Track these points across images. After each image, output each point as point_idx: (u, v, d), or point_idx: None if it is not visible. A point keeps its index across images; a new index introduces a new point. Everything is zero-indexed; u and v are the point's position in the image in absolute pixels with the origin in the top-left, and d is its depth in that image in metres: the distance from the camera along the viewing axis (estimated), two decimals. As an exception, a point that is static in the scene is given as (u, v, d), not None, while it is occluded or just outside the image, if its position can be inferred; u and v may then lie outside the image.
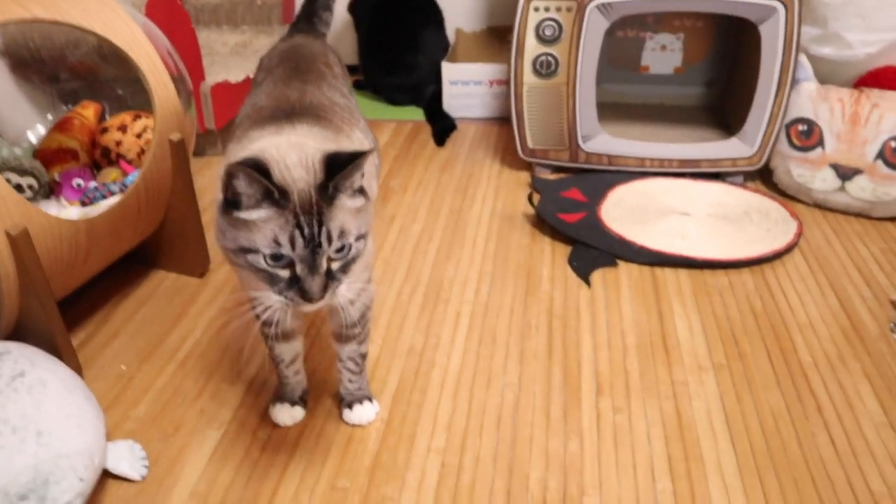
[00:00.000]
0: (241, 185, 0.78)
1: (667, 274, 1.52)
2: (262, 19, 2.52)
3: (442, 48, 2.38)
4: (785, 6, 1.65)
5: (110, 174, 1.57)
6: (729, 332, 1.35)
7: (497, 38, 2.49)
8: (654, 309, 1.41)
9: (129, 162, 1.64)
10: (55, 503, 0.90)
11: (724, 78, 2.06)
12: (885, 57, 1.81)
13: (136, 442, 1.11)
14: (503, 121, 2.27)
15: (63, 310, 1.20)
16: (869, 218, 1.72)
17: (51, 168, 1.59)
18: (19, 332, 1.18)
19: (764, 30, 1.68)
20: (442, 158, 2.05)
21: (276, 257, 0.79)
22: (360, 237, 0.84)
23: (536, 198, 1.71)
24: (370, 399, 1.16)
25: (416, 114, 2.33)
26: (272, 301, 0.83)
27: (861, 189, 1.72)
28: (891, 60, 1.81)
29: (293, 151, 0.82)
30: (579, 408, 1.18)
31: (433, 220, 1.72)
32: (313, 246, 0.79)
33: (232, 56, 2.27)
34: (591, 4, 1.68)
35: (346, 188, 0.82)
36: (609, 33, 1.75)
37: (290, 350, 1.12)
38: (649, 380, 1.24)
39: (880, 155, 1.68)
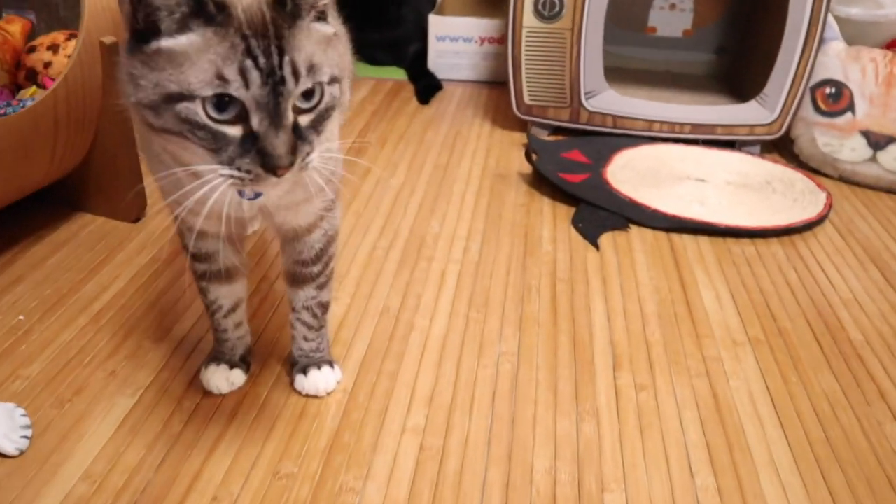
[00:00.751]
0: None
1: (685, 240, 1.29)
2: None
3: (428, 5, 2.15)
4: (822, -52, 1.44)
5: (28, 91, 1.30)
6: (763, 304, 1.13)
7: (488, 0, 2.27)
8: (674, 276, 1.18)
9: (55, 84, 1.37)
10: None
11: (737, 45, 1.86)
12: (925, 17, 1.62)
13: (18, 406, 0.84)
14: (494, 84, 2.04)
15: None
16: (905, 192, 1.52)
17: (-42, 86, 1.33)
18: None
19: (796, -25, 1.48)
20: (426, 116, 1.81)
21: (222, 103, 0.55)
22: (334, 80, 0.59)
23: (535, 157, 1.48)
24: (331, 364, 0.91)
25: (398, 74, 2.09)
26: (216, 183, 0.58)
27: (895, 159, 1.52)
28: (932, 21, 1.62)
29: None
30: (593, 383, 0.94)
31: (415, 175, 1.48)
32: (274, 82, 0.55)
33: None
34: (605, -66, 1.46)
35: (309, 4, 0.57)
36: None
37: (229, 294, 0.87)
38: (676, 353, 1.01)
39: (923, 121, 1.48)
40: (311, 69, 0.57)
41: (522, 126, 1.72)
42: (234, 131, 0.56)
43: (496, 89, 2.00)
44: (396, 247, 1.23)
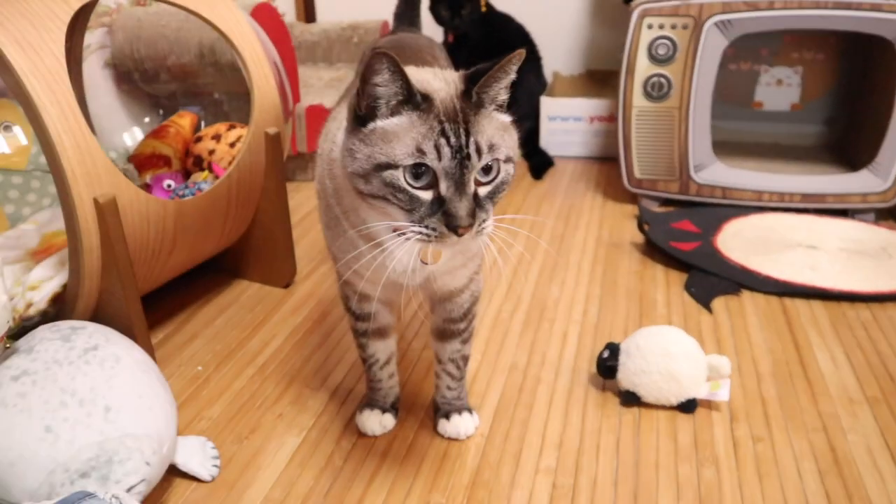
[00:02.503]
0: (382, 79, 0.68)
1: (798, 304, 1.34)
2: (356, 57, 2.51)
3: (540, 86, 2.31)
4: (927, 23, 1.50)
5: (201, 175, 1.52)
6: (881, 365, 1.16)
7: (596, 81, 2.42)
8: (787, 338, 1.24)
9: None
10: (118, 484, 0.79)
11: (847, 114, 1.91)
12: None
13: (208, 440, 1.00)
14: (603, 160, 2.15)
15: (143, 308, 1.12)
16: None
17: (143, 172, 1.56)
18: (96, 317, 1.10)
19: (902, 48, 1.54)
20: (541, 190, 1.94)
21: (419, 172, 0.68)
22: (509, 160, 0.73)
23: (646, 227, 1.57)
24: (469, 410, 1.02)
25: (510, 151, 2.24)
26: (407, 238, 0.70)
27: None
28: None
29: (430, 73, 0.73)
30: (711, 433, 1.01)
31: (534, 244, 1.60)
32: (461, 158, 0.68)
33: (326, 88, 2.25)
34: (710, 21, 1.58)
35: (490, 99, 0.72)
36: (720, 65, 1.63)
37: (384, 349, 1.00)
38: (791, 409, 1.06)
39: None
40: (491, 148, 0.70)
41: (633, 199, 1.82)
42: (426, 195, 0.69)
43: (606, 164, 2.11)
44: (520, 310, 1.34)
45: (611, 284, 1.42)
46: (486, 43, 2.28)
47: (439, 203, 0.69)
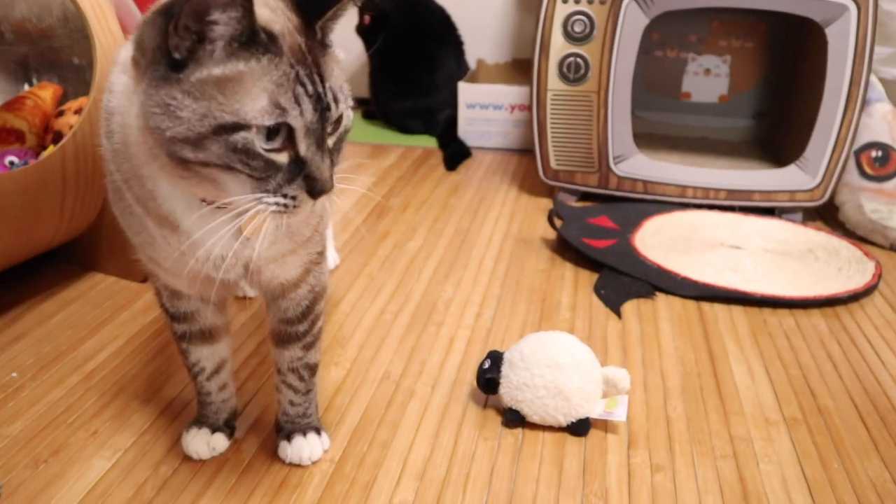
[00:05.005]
0: (230, 16, 0.51)
1: (717, 310, 1.21)
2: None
3: (460, 72, 2.15)
4: (857, 5, 1.39)
5: (47, 151, 1.31)
6: (802, 380, 1.03)
7: (521, 70, 2.27)
8: (702, 347, 1.10)
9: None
10: None
11: (776, 108, 1.80)
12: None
13: (-12, 466, 0.80)
14: (524, 152, 2.01)
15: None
16: (964, 263, 1.41)
17: (-14, 147, 1.35)
18: None
19: (831, 32, 1.42)
20: (452, 182, 1.78)
21: (275, 132, 0.53)
22: (350, 106, 0.59)
23: (559, 222, 1.42)
24: (317, 431, 0.85)
25: (428, 141, 2.08)
26: (260, 208, 0.55)
27: (951, 230, 1.42)
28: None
29: None
30: (604, 461, 0.86)
31: (434, 239, 1.44)
32: (321, 109, 0.54)
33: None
34: (631, -3, 1.44)
35: (329, 33, 0.58)
36: (645, 52, 1.50)
37: (210, 356, 0.82)
38: (699, 432, 0.92)
39: (978, 187, 1.39)
40: (345, 95, 0.58)
41: (550, 192, 1.68)
42: (282, 158, 0.55)
43: (526, 157, 1.96)
44: (406, 311, 1.17)
45: (512, 284, 1.27)
46: (405, 26, 2.11)
47: (297, 166, 0.55)
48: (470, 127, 2.03)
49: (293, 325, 0.77)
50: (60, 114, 1.47)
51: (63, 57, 1.50)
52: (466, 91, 2.00)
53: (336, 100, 0.56)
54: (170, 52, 0.53)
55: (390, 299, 1.21)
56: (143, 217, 0.63)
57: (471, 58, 2.25)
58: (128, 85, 0.58)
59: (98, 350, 1.06)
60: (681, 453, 0.87)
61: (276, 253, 0.68)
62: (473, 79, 2.15)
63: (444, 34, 2.15)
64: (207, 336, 0.80)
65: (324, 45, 0.57)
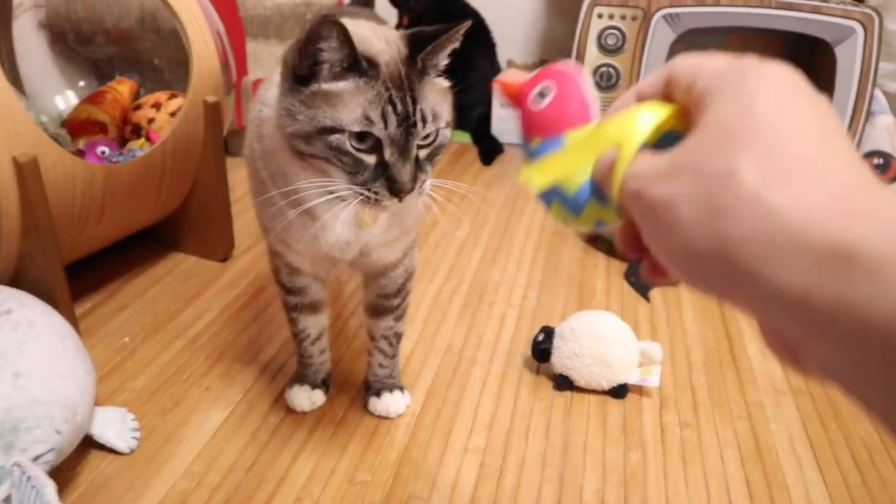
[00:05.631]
0: (329, 46, 0.65)
1: (733, 297, 1.36)
2: (310, 34, 2.47)
3: (493, 72, 2.30)
4: (864, 27, 1.54)
5: (137, 143, 1.47)
6: (808, 358, 1.19)
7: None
8: (721, 329, 1.25)
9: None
10: (24, 453, 0.75)
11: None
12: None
13: (128, 412, 0.96)
14: (551, 148, 2.15)
15: (69, 278, 1.08)
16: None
17: (77, 138, 1.50)
18: (14, 283, 1.05)
19: (840, 52, 1.57)
20: (489, 176, 1.94)
21: (363, 137, 0.67)
22: (448, 125, 0.72)
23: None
24: (401, 389, 1.01)
25: (462, 137, 2.24)
26: (347, 194, 0.70)
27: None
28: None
29: (367, 28, 0.71)
30: (640, 420, 1.02)
31: (478, 228, 1.59)
32: (407, 126, 0.67)
33: (278, 63, 2.20)
34: (658, 14, 1.59)
35: (433, 65, 0.70)
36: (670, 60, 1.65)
37: (315, 324, 0.98)
38: (719, 398, 1.07)
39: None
40: (435, 117, 0.69)
41: (579, 188, 1.83)
42: (370, 159, 0.68)
43: (554, 154, 2.11)
44: (460, 292, 1.33)
45: (552, 271, 1.43)
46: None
47: (383, 168, 0.68)
48: (503, 125, 2.18)
49: (388, 299, 0.93)
50: (137, 107, 1.62)
51: (144, 58, 1.66)
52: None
53: (424, 119, 0.69)
54: (297, 70, 0.68)
55: (445, 281, 1.36)
56: (284, 207, 0.78)
57: (501, 58, 2.40)
58: (276, 98, 0.74)
59: (195, 320, 1.22)
60: (704, 414, 1.03)
61: (386, 239, 0.84)
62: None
63: (479, 37, 2.30)
64: (314, 307, 0.96)
65: (423, 74, 0.70)
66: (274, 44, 2.46)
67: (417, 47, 0.69)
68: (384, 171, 0.68)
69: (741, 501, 0.89)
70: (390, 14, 2.25)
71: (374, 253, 0.86)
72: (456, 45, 0.72)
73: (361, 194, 0.69)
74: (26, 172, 0.95)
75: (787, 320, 0.27)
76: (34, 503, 0.73)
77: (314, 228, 0.78)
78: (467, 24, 0.70)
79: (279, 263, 0.92)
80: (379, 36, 0.71)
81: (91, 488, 0.86)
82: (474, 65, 2.25)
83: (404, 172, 0.68)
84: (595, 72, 1.67)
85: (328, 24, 0.64)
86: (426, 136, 0.70)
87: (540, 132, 0.41)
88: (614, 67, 1.65)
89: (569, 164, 0.38)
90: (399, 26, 2.28)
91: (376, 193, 0.69)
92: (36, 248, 1.02)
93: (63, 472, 0.86)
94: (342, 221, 0.75)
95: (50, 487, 0.74)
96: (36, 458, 0.76)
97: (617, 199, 0.34)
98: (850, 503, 0.90)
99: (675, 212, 0.29)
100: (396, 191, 0.68)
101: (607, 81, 1.67)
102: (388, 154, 0.68)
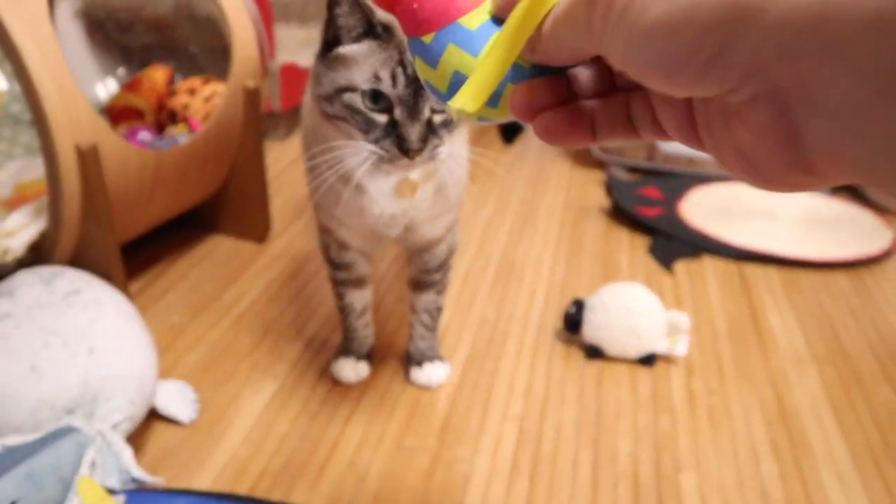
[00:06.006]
0: (342, 11, 0.71)
1: (755, 270, 1.41)
2: (331, 17, 2.51)
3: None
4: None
5: (177, 128, 1.52)
6: (829, 328, 1.23)
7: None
8: (743, 301, 1.30)
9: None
10: (103, 421, 0.82)
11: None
12: None
13: (187, 385, 1.02)
14: (572, 126, 2.19)
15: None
16: (973, 231, 1.60)
17: (117, 125, 1.56)
18: (74, 265, 1.11)
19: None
20: (511, 155, 1.98)
21: (375, 96, 0.73)
22: None
23: (614, 194, 1.62)
24: (441, 360, 1.07)
25: (481, 116, 2.27)
26: (363, 152, 0.75)
27: (963, 202, 1.60)
28: None
29: None
30: (669, 387, 1.07)
31: (503, 207, 1.64)
32: (416, 87, 0.72)
33: (300, 47, 2.25)
34: None
35: None
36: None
37: (360, 298, 1.03)
38: (744, 366, 1.12)
39: None
40: None
41: (600, 165, 1.87)
42: (382, 119, 0.74)
43: (575, 132, 2.15)
44: (490, 268, 1.38)
45: (577, 247, 1.47)
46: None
47: (393, 126, 0.74)
48: (522, 104, 2.22)
49: (431, 274, 0.99)
50: (172, 93, 1.67)
51: (179, 45, 1.70)
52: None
53: None
54: (325, 37, 0.75)
55: (475, 257, 1.42)
56: (336, 184, 0.83)
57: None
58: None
59: (238, 299, 1.28)
60: (730, 381, 1.09)
61: (431, 215, 0.89)
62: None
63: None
64: (359, 283, 1.01)
65: None
66: (295, 27, 2.50)
67: None
68: (395, 130, 0.74)
69: (768, 462, 0.94)
70: None
71: (420, 228, 0.91)
72: None
73: (374, 152, 0.75)
74: (88, 160, 1.01)
75: (797, 65, 0.23)
76: (114, 468, 0.79)
77: (362, 201, 0.83)
78: None
79: (329, 240, 0.97)
80: None
81: (158, 455, 0.92)
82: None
83: (413, 131, 0.73)
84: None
85: None
86: None
87: (429, 27, 0.37)
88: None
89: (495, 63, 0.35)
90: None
91: (387, 151, 0.74)
92: (95, 232, 1.07)
93: (132, 441, 0.92)
94: (383, 192, 0.81)
95: (128, 453, 0.80)
96: (113, 427, 0.82)
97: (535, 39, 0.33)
98: (870, 459, 0.95)
99: None
100: (405, 149, 0.73)
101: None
102: (397, 113, 0.73)
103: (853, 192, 1.77)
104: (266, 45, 1.65)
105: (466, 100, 0.35)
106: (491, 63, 0.34)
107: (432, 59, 0.37)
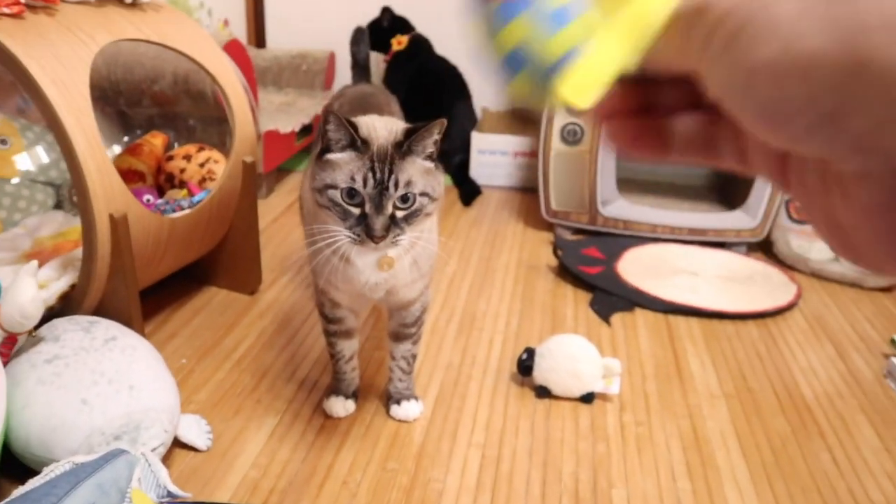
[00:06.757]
0: (331, 128, 0.92)
1: (679, 321, 1.65)
2: (305, 83, 2.74)
3: (470, 122, 2.59)
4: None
5: (179, 193, 1.71)
6: (738, 369, 1.48)
7: (520, 118, 2.71)
8: (668, 347, 1.54)
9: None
10: (145, 446, 1.00)
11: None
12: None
13: (202, 417, 1.21)
14: (525, 190, 2.45)
15: (137, 303, 1.32)
16: (862, 287, 1.88)
17: (121, 188, 1.74)
18: (99, 312, 1.29)
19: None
20: (469, 217, 2.21)
21: (351, 193, 0.92)
22: (425, 194, 0.95)
23: (560, 252, 1.86)
24: (416, 398, 1.27)
25: (445, 180, 2.51)
26: (341, 236, 0.95)
27: (855, 263, 1.88)
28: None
29: (382, 122, 0.97)
30: (605, 419, 1.29)
31: (465, 264, 1.86)
32: (381, 188, 0.92)
33: (278, 112, 2.47)
34: (617, 82, 1.88)
35: (418, 150, 0.95)
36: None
37: (349, 347, 1.23)
38: (667, 401, 1.35)
39: (872, 232, 1.85)
40: (408, 184, 0.93)
41: (549, 227, 2.12)
42: (355, 210, 0.94)
43: (527, 195, 2.40)
44: (454, 319, 1.60)
45: (529, 300, 1.70)
46: (423, 83, 2.55)
47: (364, 217, 0.93)
48: (481, 169, 2.47)
49: (408, 328, 1.20)
50: (170, 158, 1.87)
51: (179, 117, 1.91)
52: (478, 139, 2.44)
53: (397, 184, 0.90)
54: (321, 144, 0.96)
55: (441, 310, 1.63)
56: (330, 256, 1.04)
57: (476, 107, 2.69)
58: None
59: (237, 345, 1.47)
60: (655, 414, 1.31)
61: (408, 281, 1.10)
62: (481, 127, 2.59)
63: (459, 89, 2.59)
64: (348, 334, 1.22)
65: (406, 154, 0.94)
66: (271, 92, 2.72)
67: (408, 136, 0.95)
68: (364, 220, 0.94)
69: (683, 480, 1.16)
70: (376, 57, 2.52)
71: (400, 292, 1.12)
72: (436, 136, 0.97)
73: (348, 236, 0.95)
74: (118, 226, 1.20)
75: None
76: (153, 484, 0.97)
77: (351, 271, 1.04)
78: (442, 122, 0.95)
79: (324, 300, 1.18)
80: (388, 128, 0.97)
81: (182, 476, 1.10)
82: (454, 115, 2.54)
83: (377, 222, 0.93)
84: (563, 129, 1.96)
85: (328, 114, 0.92)
86: (405, 201, 0.94)
87: None
88: (579, 125, 1.95)
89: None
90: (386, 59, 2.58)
91: (358, 236, 0.94)
92: (120, 286, 1.26)
93: (163, 463, 1.10)
94: (368, 265, 1.02)
95: (164, 472, 0.98)
96: (153, 451, 1.00)
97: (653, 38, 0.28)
98: (765, 478, 1.18)
99: (770, 9, 0.23)
100: (371, 235, 0.93)
101: (573, 137, 1.96)
102: (367, 207, 0.93)
103: (765, 250, 2.04)
104: (257, 111, 1.86)
105: (579, 92, 0.29)
106: (611, 57, 0.29)
107: (496, 23, 0.32)
